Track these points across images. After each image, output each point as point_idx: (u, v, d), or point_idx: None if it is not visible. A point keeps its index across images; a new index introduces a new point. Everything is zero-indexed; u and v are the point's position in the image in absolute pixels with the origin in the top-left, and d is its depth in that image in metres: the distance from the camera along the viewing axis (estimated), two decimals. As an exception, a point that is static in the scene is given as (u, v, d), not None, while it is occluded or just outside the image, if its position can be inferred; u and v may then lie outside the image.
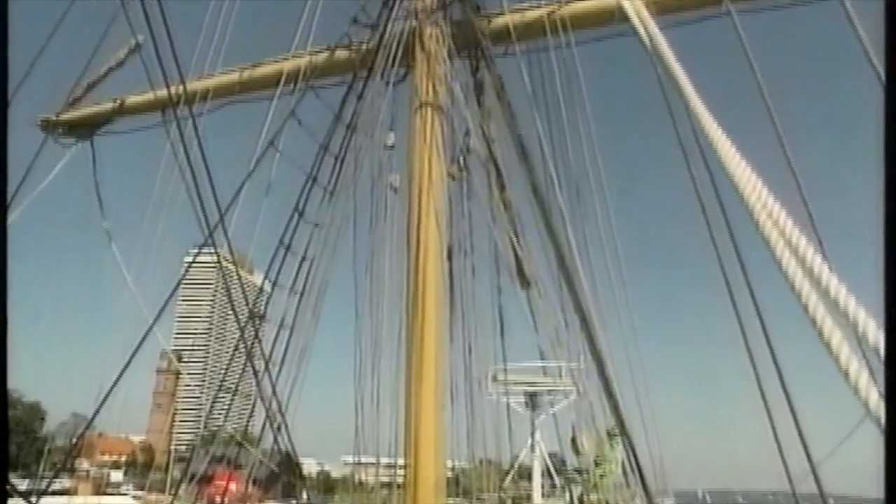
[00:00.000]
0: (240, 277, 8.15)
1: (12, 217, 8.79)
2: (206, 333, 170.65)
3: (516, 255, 8.00)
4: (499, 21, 8.23)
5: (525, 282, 8.15)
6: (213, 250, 6.92)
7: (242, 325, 7.38)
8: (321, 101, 8.37)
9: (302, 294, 7.86)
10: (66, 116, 10.88)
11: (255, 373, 6.90)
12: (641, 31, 4.75)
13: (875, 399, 1.37)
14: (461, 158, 8.32)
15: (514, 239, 7.91)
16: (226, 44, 9.49)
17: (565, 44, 7.84)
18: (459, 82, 7.93)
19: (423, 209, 7.42)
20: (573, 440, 9.75)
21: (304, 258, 7.87)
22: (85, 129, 10.99)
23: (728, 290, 5.05)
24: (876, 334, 1.45)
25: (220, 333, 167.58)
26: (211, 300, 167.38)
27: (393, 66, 7.90)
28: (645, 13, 5.02)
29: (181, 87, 6.72)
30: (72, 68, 10.63)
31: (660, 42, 4.28)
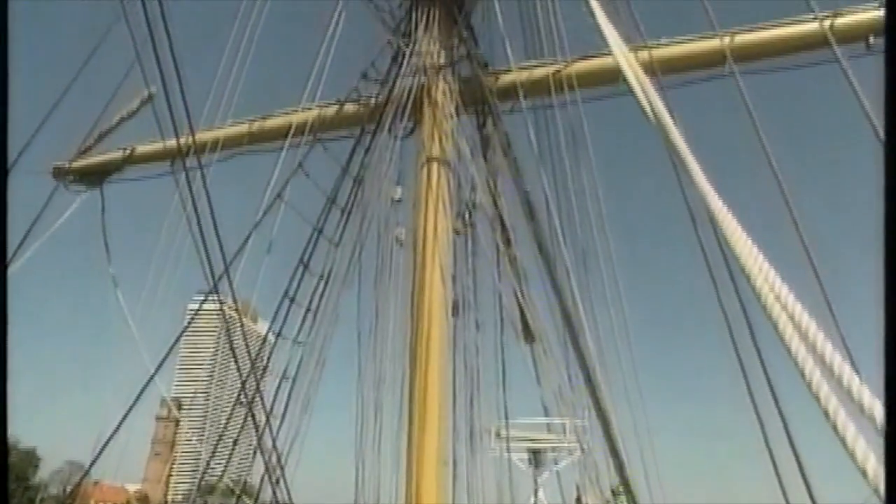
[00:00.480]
0: (243, 329, 8.14)
1: (20, 262, 8.85)
2: (207, 381, 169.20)
3: (521, 310, 7.97)
4: (506, 78, 8.36)
5: (529, 337, 8.11)
6: (216, 300, 6.91)
7: (244, 377, 7.33)
8: (329, 153, 8.47)
9: (305, 346, 7.83)
10: (77, 164, 11.00)
11: (256, 426, 6.83)
12: (642, 97, 4.78)
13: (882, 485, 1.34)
14: (467, 214, 8.36)
15: (519, 294, 7.89)
16: (237, 95, 9.65)
17: (571, 101, 7.94)
18: (466, 138, 8.04)
19: (428, 264, 7.44)
20: (577, 500, 9.58)
21: (308, 310, 7.86)
22: (95, 176, 11.11)
23: (734, 346, 5.00)
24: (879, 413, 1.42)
25: (222, 381, 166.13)
26: (213, 347, 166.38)
27: (401, 120, 8.02)
28: (644, 79, 5.07)
29: (191, 138, 6.81)
30: (83, 116, 10.81)
31: (660, 110, 4.32)
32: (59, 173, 10.91)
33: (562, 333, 7.52)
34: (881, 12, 4.64)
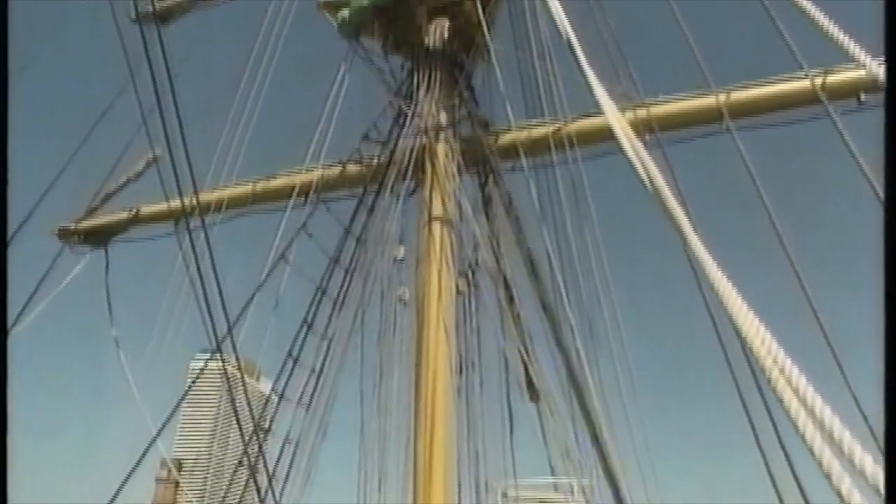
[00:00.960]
0: (246, 391, 8.06)
1: (25, 323, 8.85)
2: (209, 441, 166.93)
3: (526, 369, 7.92)
4: (506, 137, 8.48)
5: (534, 395, 8.03)
6: (219, 359, 6.87)
7: (247, 439, 7.25)
8: (332, 214, 8.54)
9: (309, 407, 7.76)
10: (83, 225, 11.08)
11: (258, 489, 6.73)
12: (635, 160, 4.80)
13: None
14: (470, 272, 8.37)
15: (524, 352, 7.85)
16: (241, 156, 9.76)
17: (572, 160, 8.01)
18: (468, 197, 8.11)
19: (432, 323, 7.41)
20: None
21: (311, 370, 7.82)
22: (100, 237, 11.19)
23: (743, 406, 4.95)
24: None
25: (224, 442, 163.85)
26: (215, 407, 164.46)
27: (403, 180, 8.09)
28: (637, 143, 5.11)
29: (195, 199, 6.87)
30: (88, 177, 10.93)
31: (654, 173, 4.35)
32: (64, 234, 10.98)
33: (567, 392, 7.46)
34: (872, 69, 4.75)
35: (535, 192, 7.99)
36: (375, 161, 8.73)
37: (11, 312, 8.80)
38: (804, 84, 7.38)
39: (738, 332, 2.15)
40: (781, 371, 1.74)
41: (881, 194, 1.69)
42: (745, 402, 4.79)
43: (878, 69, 5.00)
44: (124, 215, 10.93)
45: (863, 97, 7.25)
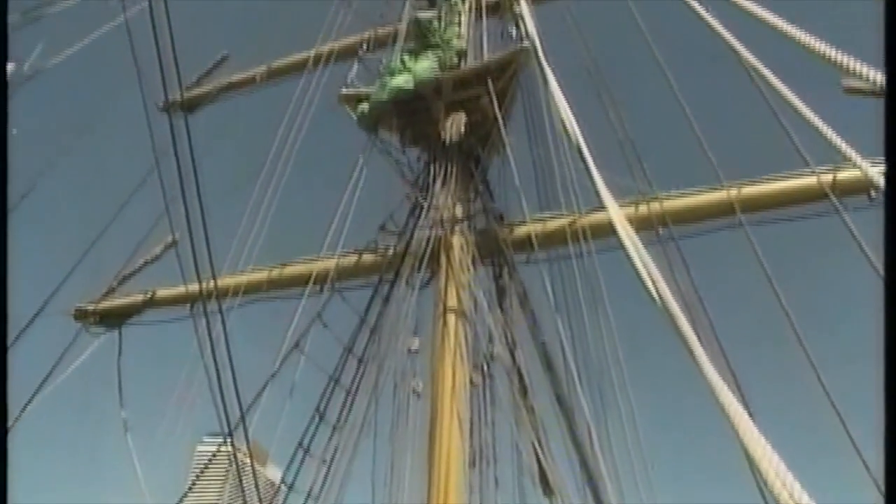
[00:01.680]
0: (256, 479, 7.97)
1: (36, 403, 8.84)
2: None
3: (539, 462, 7.78)
4: (521, 230, 8.58)
5: (548, 490, 7.87)
6: (229, 446, 6.82)
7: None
8: (347, 303, 8.59)
9: (318, 499, 7.63)
10: (99, 307, 11.15)
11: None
12: (637, 260, 4.83)
13: None
14: (484, 364, 8.32)
15: (537, 445, 7.73)
16: (260, 243, 9.87)
17: (586, 252, 8.08)
18: (483, 289, 8.15)
19: (445, 415, 7.34)
20: None
21: (322, 461, 7.72)
22: (115, 319, 11.22)
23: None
24: None
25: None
26: (221, 492, 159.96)
27: (418, 271, 8.16)
28: (637, 241, 5.16)
29: (212, 283, 6.92)
30: (105, 258, 11.04)
31: (655, 274, 4.42)
32: (80, 315, 11.04)
33: (582, 486, 7.33)
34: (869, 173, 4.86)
35: (550, 285, 8.03)
36: (391, 251, 8.86)
37: (25, 391, 8.81)
38: (813, 180, 7.46)
39: (745, 453, 2.17)
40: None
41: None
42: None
43: (877, 174, 5.15)
44: (140, 298, 11.01)
45: (873, 194, 7.30)
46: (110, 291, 11.27)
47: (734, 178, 8.12)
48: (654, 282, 4.18)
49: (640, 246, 4.69)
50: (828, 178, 7.32)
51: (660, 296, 3.93)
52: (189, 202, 5.33)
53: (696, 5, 5.96)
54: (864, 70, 3.96)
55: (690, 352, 2.96)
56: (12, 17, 8.18)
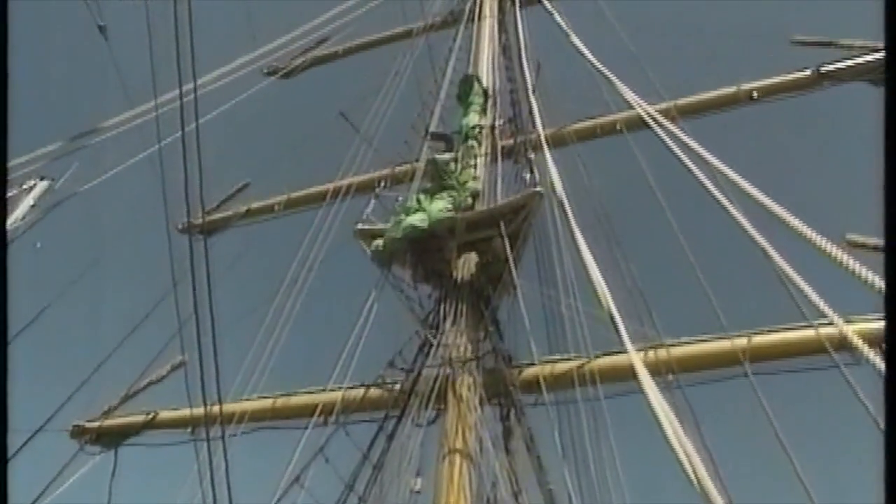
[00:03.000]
0: None
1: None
2: None
3: None
4: (529, 371, 8.59)
5: None
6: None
7: None
8: (350, 438, 8.50)
9: None
10: (97, 425, 11.01)
11: None
12: (656, 404, 4.92)
13: None
14: (488, 509, 8.12)
15: None
16: (267, 372, 9.85)
17: (594, 396, 8.05)
18: (489, 430, 8.05)
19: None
20: None
21: None
22: (113, 438, 11.05)
23: None
24: None
25: None
26: None
27: (424, 409, 8.12)
28: (652, 385, 5.24)
29: (217, 408, 6.88)
30: (107, 375, 10.99)
31: (672, 420, 4.48)
32: (78, 433, 10.89)
33: None
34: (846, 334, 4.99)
35: (557, 429, 7.94)
36: (398, 388, 8.85)
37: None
38: (823, 332, 7.48)
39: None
40: None
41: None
42: None
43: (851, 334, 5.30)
44: (140, 418, 10.89)
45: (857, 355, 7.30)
46: (111, 410, 11.16)
47: (742, 326, 8.22)
48: (676, 436, 4.24)
49: (660, 396, 4.80)
50: (828, 330, 7.34)
51: (684, 450, 3.98)
52: (202, 324, 5.41)
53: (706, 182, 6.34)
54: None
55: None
56: (57, 144, 8.61)
